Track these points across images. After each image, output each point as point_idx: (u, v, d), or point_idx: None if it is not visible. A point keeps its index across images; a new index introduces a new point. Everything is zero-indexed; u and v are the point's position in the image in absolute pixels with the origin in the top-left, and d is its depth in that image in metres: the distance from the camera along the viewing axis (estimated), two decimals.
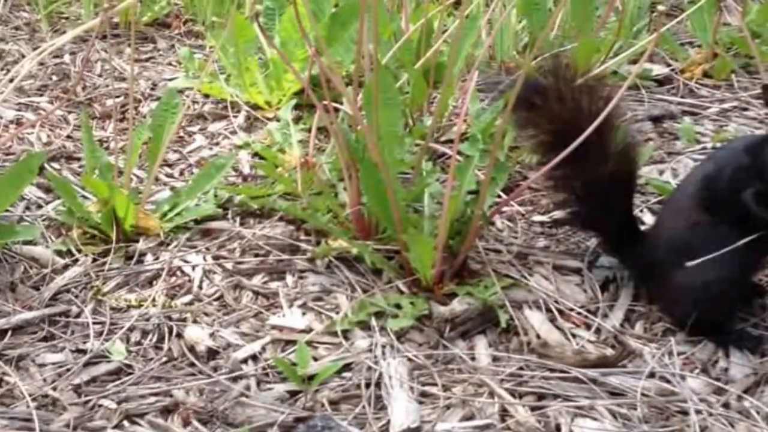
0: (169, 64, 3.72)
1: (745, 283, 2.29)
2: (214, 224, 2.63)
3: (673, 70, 3.53)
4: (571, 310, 2.31)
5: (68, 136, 3.14)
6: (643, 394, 2.06)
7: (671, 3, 3.97)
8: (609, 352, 2.19)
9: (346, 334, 2.24)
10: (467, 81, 2.83)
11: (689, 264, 2.11)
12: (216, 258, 2.50)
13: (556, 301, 2.33)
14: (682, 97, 3.37)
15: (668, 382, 2.11)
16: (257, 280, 2.43)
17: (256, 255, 2.51)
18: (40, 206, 2.73)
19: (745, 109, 3.30)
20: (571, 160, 2.22)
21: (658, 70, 3.52)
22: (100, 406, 2.05)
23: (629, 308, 2.34)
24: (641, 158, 2.62)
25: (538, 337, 2.23)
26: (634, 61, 3.37)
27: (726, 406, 2.05)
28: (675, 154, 2.99)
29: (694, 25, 3.63)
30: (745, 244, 2.10)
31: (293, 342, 2.20)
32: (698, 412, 2.02)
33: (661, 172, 2.89)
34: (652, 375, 2.12)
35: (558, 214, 2.50)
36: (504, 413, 2.03)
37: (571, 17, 3.44)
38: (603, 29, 3.46)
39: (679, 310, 2.25)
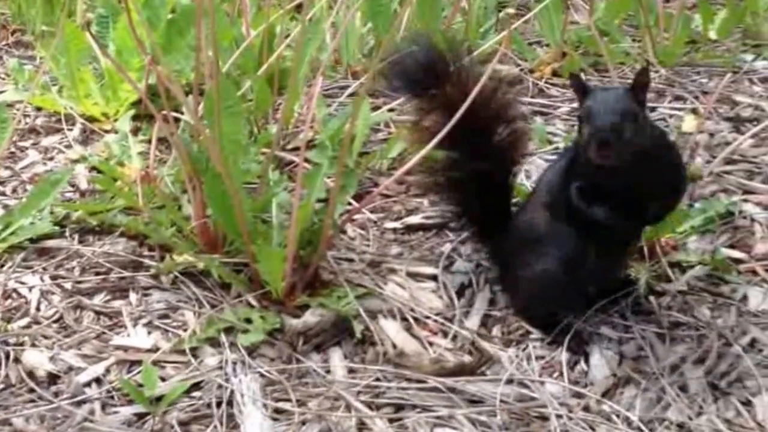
0: None
1: (580, 276, 2.25)
2: (51, 243, 2.57)
3: (522, 70, 3.56)
4: (428, 317, 2.31)
5: None
6: (502, 401, 2.07)
7: (518, 2, 3.99)
8: (467, 359, 2.19)
9: (194, 351, 2.21)
10: (313, 86, 2.80)
11: None
12: (54, 278, 2.46)
13: (412, 309, 2.33)
14: (532, 97, 3.40)
15: (527, 387, 2.12)
16: (99, 300, 2.39)
17: (97, 273, 2.47)
18: None
19: None
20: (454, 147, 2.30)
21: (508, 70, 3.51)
22: None
23: (486, 313, 2.34)
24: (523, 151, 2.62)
25: (395, 346, 2.22)
26: (482, 62, 3.35)
27: (586, 409, 2.07)
28: (527, 155, 2.96)
29: (542, 25, 3.68)
30: (573, 237, 2.16)
31: (139, 362, 2.17)
32: (558, 416, 2.03)
33: None
34: (510, 381, 2.13)
35: (414, 219, 2.47)
36: (362, 426, 2.03)
37: (418, 18, 3.43)
38: (449, 30, 3.44)
39: (517, 302, 2.31)
